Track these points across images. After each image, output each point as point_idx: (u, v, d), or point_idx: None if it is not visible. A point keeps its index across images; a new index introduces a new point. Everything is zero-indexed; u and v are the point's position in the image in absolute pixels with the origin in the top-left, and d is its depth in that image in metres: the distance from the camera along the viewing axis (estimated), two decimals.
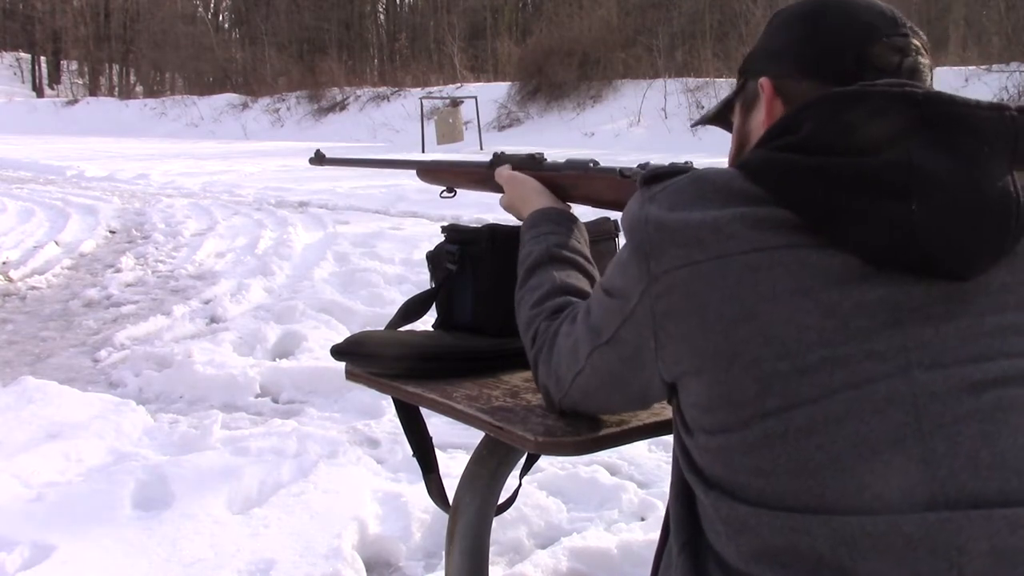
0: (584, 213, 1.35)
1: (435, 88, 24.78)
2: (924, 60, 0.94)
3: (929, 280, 0.79)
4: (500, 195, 1.41)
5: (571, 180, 1.33)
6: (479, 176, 1.47)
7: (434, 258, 1.49)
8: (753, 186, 0.84)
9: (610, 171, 1.30)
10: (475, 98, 19.84)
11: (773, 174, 0.83)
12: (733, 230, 0.82)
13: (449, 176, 1.54)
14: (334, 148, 20.45)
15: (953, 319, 0.80)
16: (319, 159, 1.77)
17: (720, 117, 1.13)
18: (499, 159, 1.44)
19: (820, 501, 0.78)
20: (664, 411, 1.16)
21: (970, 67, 15.49)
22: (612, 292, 0.93)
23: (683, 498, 0.91)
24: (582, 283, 1.17)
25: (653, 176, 0.92)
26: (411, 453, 1.46)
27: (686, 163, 1.02)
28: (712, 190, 0.85)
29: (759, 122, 0.98)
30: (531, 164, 1.39)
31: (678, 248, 0.84)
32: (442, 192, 1.56)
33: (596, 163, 1.33)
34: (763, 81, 0.97)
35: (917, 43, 0.94)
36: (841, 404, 0.78)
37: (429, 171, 1.57)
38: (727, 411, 0.82)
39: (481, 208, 7.05)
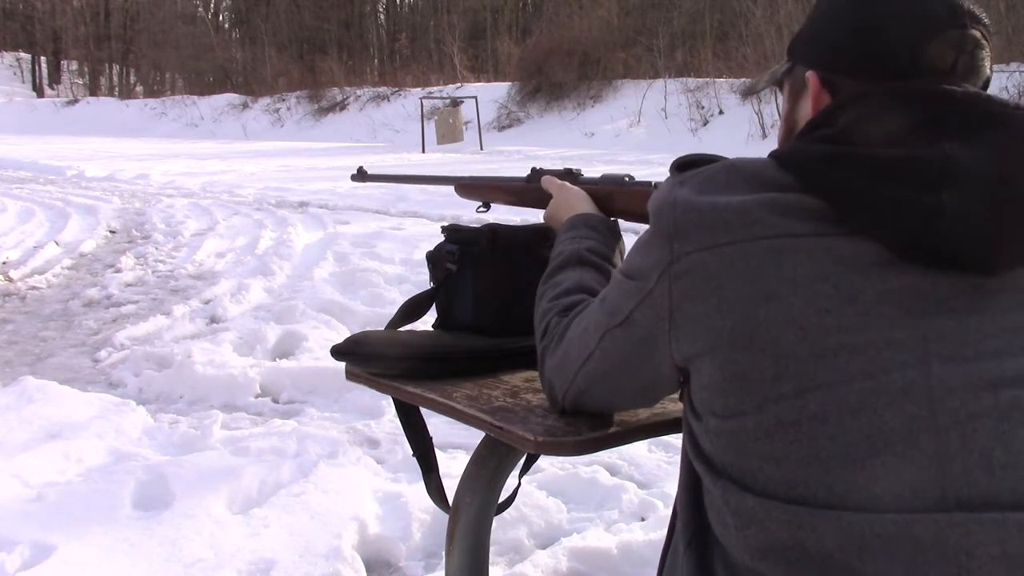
0: None
1: (435, 88, 24.77)
2: (982, 52, 0.89)
3: (955, 273, 0.79)
4: (534, 209, 1.43)
5: (606, 193, 1.35)
6: (517, 190, 1.50)
7: (434, 258, 1.49)
8: (783, 174, 0.84)
9: (645, 184, 1.32)
10: (475, 98, 19.83)
11: (803, 162, 0.84)
12: (759, 215, 0.82)
13: (488, 191, 1.57)
14: (334, 148, 20.22)
15: (975, 313, 0.79)
16: (361, 176, 1.79)
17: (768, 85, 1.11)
18: (537, 174, 1.47)
19: (829, 492, 0.77)
20: (664, 411, 1.16)
21: None
22: (631, 274, 0.93)
23: (691, 493, 0.91)
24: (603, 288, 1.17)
25: (685, 163, 0.92)
26: (411, 453, 1.47)
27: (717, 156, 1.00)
28: (743, 178, 0.86)
29: (806, 113, 0.95)
30: (568, 178, 1.41)
31: (703, 230, 0.84)
32: (478, 207, 1.59)
33: (632, 177, 1.35)
34: (810, 75, 0.93)
35: (976, 33, 0.88)
36: (855, 394, 0.77)
37: (467, 187, 1.59)
38: (741, 393, 0.82)
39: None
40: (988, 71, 0.90)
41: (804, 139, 0.87)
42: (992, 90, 0.90)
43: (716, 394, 0.84)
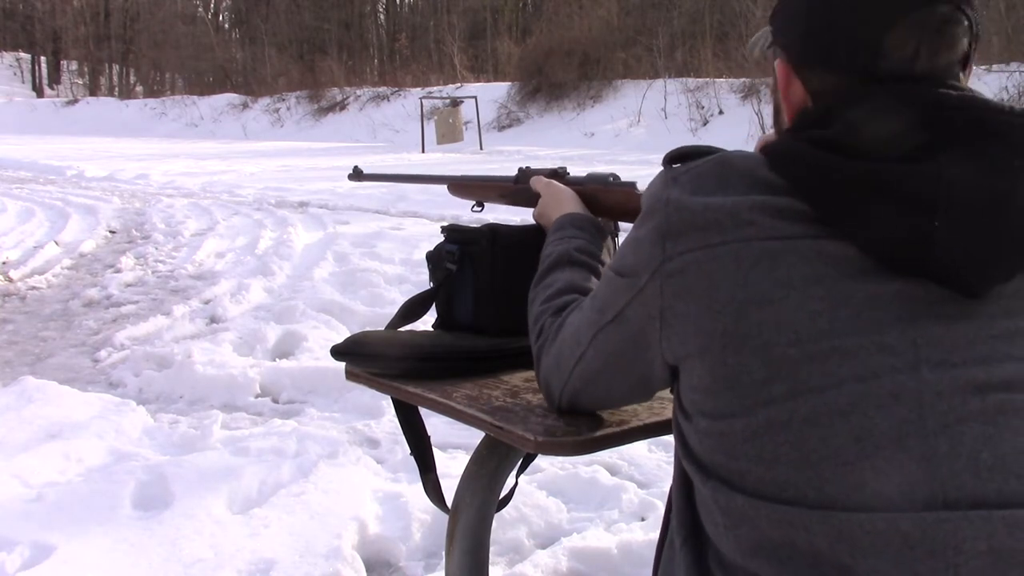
0: None
1: (435, 88, 24.76)
2: (953, 27, 0.84)
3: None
4: (522, 207, 1.46)
5: (592, 192, 1.36)
6: (506, 190, 1.53)
7: (434, 258, 1.49)
8: (775, 175, 0.83)
9: (629, 184, 1.34)
10: (475, 98, 19.83)
11: (795, 166, 0.83)
12: (752, 217, 0.81)
13: (479, 190, 1.60)
14: (334, 148, 20.22)
15: (964, 319, 0.79)
16: (357, 175, 1.82)
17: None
18: (525, 174, 1.49)
19: (819, 494, 0.77)
20: (664, 411, 1.16)
21: None
22: (622, 271, 0.93)
23: (684, 490, 0.91)
24: (594, 287, 1.17)
25: (678, 156, 0.91)
26: (409, 452, 1.47)
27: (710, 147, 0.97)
28: (735, 176, 0.85)
29: (798, 99, 0.92)
30: (554, 178, 1.43)
31: (696, 231, 0.84)
32: (473, 206, 1.62)
33: (616, 177, 1.37)
34: (778, 63, 0.92)
35: (944, 9, 0.84)
36: (846, 397, 0.77)
37: (459, 186, 1.62)
38: (732, 395, 0.82)
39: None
40: (964, 45, 0.86)
41: (795, 138, 0.86)
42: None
43: (707, 395, 0.84)
